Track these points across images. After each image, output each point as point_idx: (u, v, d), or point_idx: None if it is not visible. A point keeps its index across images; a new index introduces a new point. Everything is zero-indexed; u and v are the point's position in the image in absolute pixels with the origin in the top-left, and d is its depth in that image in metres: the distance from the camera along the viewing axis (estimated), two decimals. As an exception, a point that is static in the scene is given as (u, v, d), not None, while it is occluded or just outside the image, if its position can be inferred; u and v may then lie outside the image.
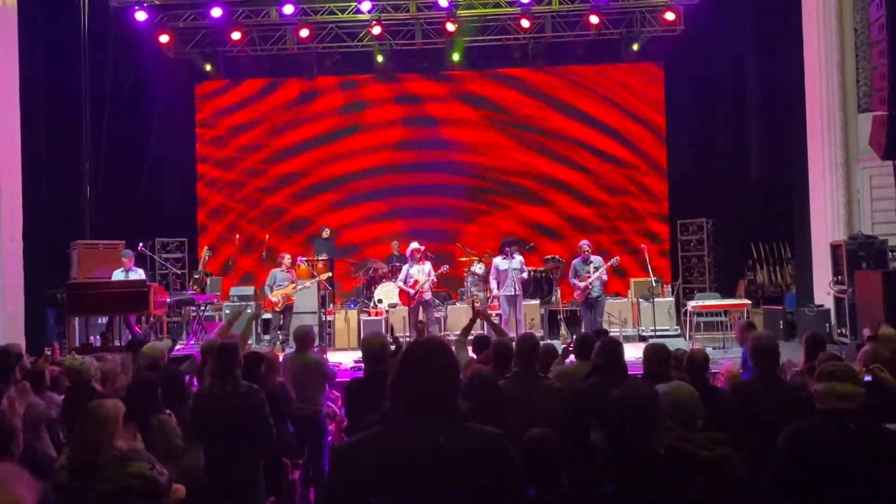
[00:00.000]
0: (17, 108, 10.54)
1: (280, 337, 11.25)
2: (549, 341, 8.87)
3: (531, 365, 4.52)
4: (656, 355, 4.53)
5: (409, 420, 2.22)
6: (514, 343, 4.90)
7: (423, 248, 10.93)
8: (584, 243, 10.67)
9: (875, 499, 3.03)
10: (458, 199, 14.27)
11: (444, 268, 11.13)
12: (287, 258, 11.45)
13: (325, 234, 13.17)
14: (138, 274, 10.51)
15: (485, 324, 11.24)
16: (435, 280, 10.86)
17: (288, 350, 8.56)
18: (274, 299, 11.14)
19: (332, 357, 9.17)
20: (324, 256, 12.58)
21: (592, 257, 10.45)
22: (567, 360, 6.02)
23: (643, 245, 11.50)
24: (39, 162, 11.10)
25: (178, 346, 9.97)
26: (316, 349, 6.51)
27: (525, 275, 10.69)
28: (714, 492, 2.96)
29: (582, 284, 10.26)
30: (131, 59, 13.28)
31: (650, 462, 2.76)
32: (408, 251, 10.94)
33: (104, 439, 3.41)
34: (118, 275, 10.45)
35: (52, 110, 11.43)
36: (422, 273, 10.60)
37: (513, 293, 10.36)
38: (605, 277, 10.43)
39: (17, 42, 10.55)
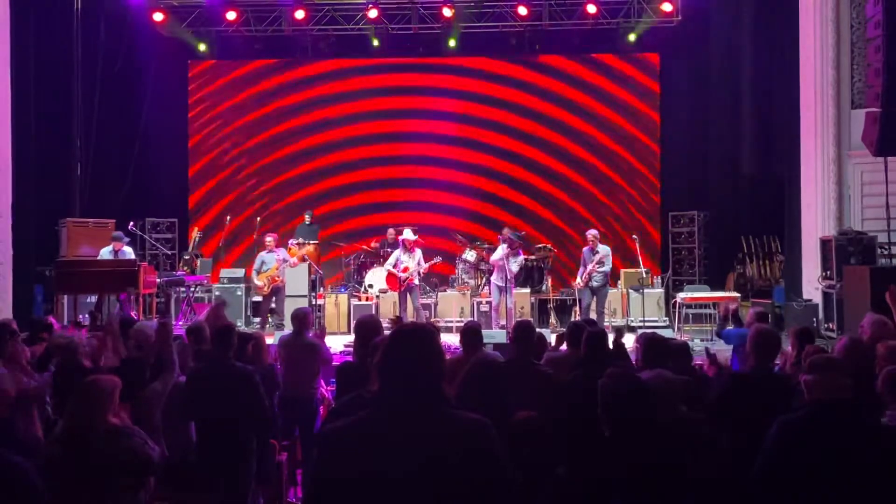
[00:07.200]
0: (7, 85, 10.44)
1: (273, 322, 11.20)
2: (539, 330, 8.94)
3: (527, 351, 4.54)
4: (655, 346, 4.44)
5: (395, 404, 2.23)
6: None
7: (416, 237, 11.00)
8: (591, 233, 10.71)
9: (864, 489, 3.05)
10: (450, 191, 14.14)
11: (437, 259, 11.23)
12: (270, 239, 11.29)
13: (307, 219, 12.98)
14: (125, 254, 10.44)
15: (475, 311, 11.44)
16: (422, 272, 10.98)
17: (283, 333, 8.52)
18: (260, 283, 11.02)
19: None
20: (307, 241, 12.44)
21: (600, 246, 10.51)
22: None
23: (634, 236, 11.55)
24: (30, 139, 10.99)
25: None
26: (313, 333, 6.51)
27: (515, 268, 10.86)
28: (697, 471, 2.96)
29: (585, 275, 10.35)
30: (124, 37, 13.15)
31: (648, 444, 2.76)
32: (400, 238, 10.99)
33: (98, 413, 3.42)
34: (105, 253, 10.37)
35: (43, 87, 11.31)
36: (412, 261, 10.72)
37: (503, 284, 10.69)
38: (607, 269, 10.46)
39: (9, 18, 10.42)
